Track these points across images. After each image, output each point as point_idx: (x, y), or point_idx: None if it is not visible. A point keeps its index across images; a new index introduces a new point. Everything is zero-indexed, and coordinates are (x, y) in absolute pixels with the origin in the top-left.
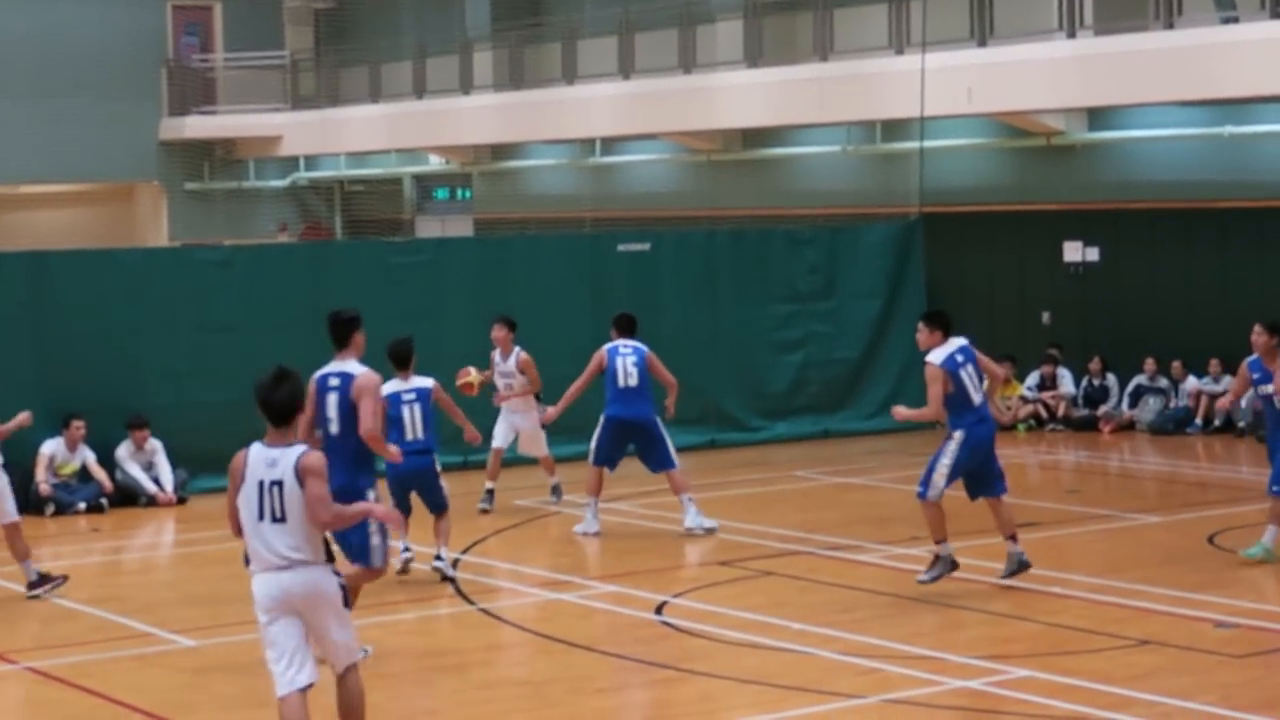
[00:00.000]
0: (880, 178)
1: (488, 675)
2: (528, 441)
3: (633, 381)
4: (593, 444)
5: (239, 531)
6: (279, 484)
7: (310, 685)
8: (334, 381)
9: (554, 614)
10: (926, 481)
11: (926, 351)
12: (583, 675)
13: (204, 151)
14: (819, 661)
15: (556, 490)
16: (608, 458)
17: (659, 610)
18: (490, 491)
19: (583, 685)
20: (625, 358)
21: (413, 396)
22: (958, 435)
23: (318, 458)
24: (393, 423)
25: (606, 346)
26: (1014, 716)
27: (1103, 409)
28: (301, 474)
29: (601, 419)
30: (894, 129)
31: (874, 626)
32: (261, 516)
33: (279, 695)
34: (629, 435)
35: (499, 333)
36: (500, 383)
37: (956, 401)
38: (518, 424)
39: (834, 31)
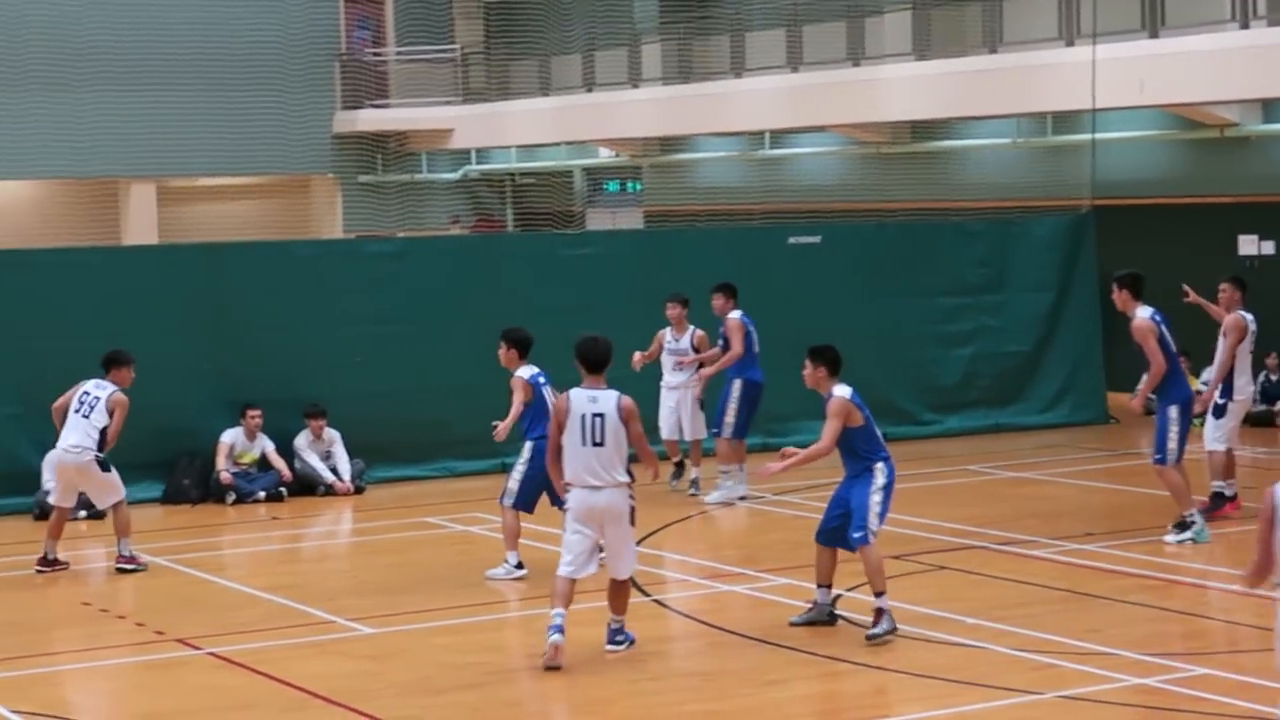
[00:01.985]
0: (1050, 170)
1: (660, 666)
2: (690, 425)
3: (757, 348)
4: (730, 416)
5: (555, 462)
6: (600, 416)
7: (578, 578)
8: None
9: (726, 605)
10: (1162, 448)
11: (1126, 315)
12: (754, 667)
13: (377, 144)
14: (992, 656)
15: (696, 483)
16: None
17: (832, 604)
18: (694, 480)
19: (754, 677)
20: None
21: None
22: (1179, 403)
23: (633, 402)
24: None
25: (738, 314)
26: (1191, 714)
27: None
28: (625, 414)
29: (739, 386)
30: (1064, 121)
31: (1047, 622)
32: (584, 442)
33: (558, 574)
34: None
35: (674, 311)
36: (670, 361)
37: (1171, 365)
38: (679, 405)
39: (1003, 22)
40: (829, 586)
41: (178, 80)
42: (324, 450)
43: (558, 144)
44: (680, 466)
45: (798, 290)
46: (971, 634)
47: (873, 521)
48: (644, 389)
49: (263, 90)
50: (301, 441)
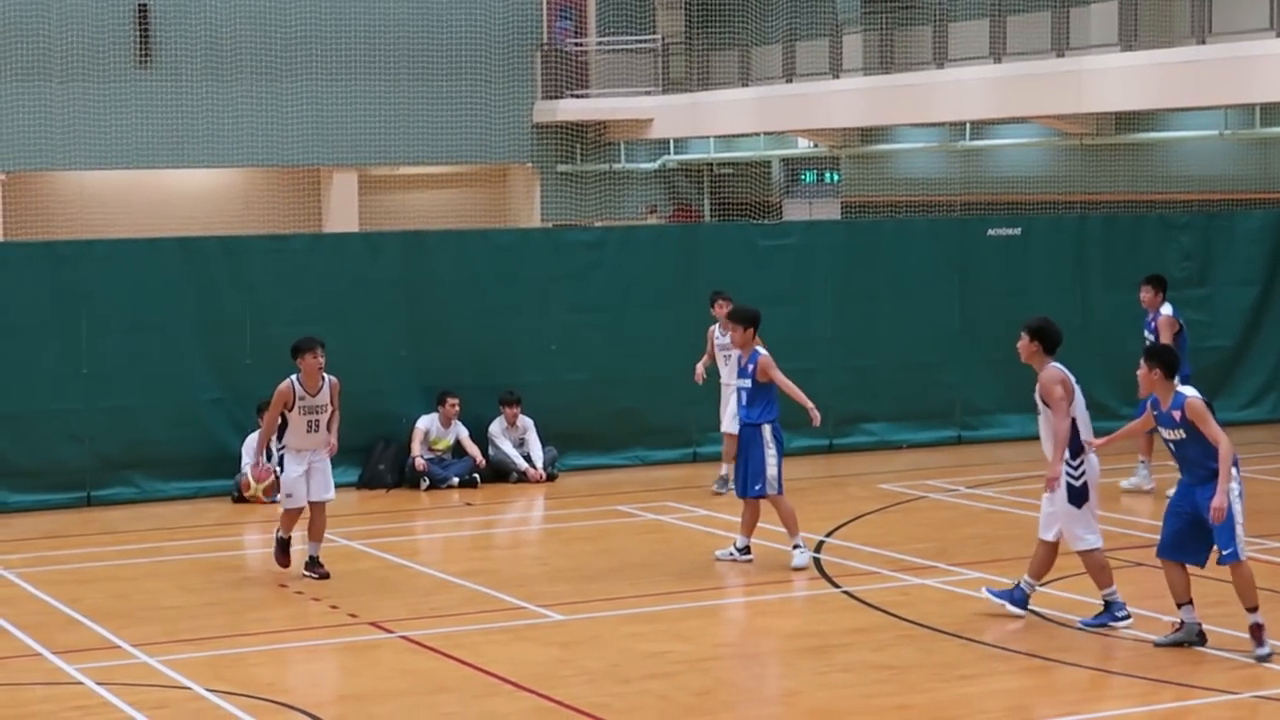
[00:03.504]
0: (1259, 163)
1: (849, 658)
2: (727, 419)
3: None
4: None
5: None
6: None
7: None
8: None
9: (917, 599)
10: None
11: None
12: (946, 661)
13: (576, 134)
14: (1190, 655)
15: (725, 480)
16: None
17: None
18: (724, 477)
19: (946, 672)
20: None
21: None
22: None
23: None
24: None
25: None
26: None
27: None
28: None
29: None
30: (1274, 112)
31: (1243, 624)
32: None
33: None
34: None
35: (722, 309)
36: (720, 356)
37: None
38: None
39: (1212, 13)
40: (1191, 604)
41: (380, 69)
42: (518, 438)
43: (756, 134)
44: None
45: (997, 282)
46: (1169, 632)
47: (1240, 534)
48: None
49: (464, 80)
50: (496, 429)
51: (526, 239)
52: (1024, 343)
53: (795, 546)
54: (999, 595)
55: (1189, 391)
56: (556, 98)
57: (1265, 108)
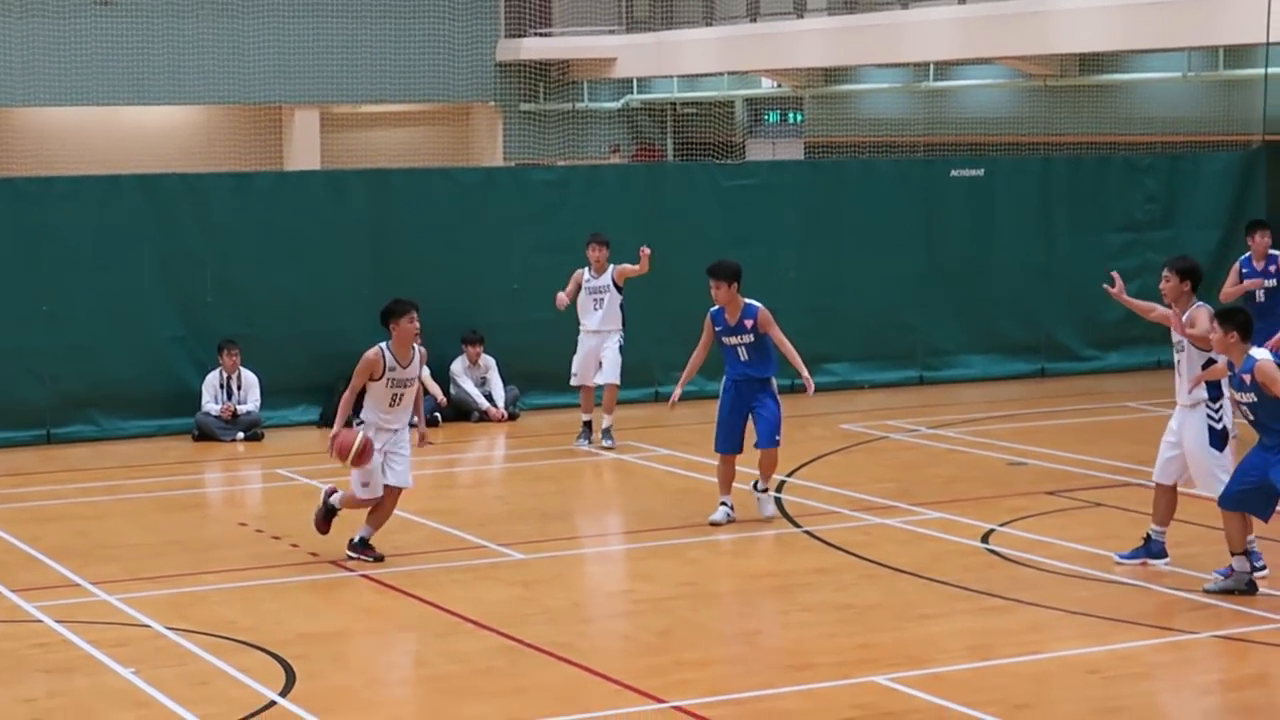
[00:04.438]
0: (1222, 105)
1: (812, 598)
2: (610, 368)
3: None
4: None
5: None
6: None
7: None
8: None
9: (879, 539)
10: None
11: None
12: (907, 601)
13: (539, 73)
14: (1150, 595)
15: (609, 432)
16: None
17: (985, 538)
18: (587, 425)
19: (908, 611)
20: None
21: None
22: None
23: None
24: None
25: None
26: None
27: None
28: None
29: None
30: (1238, 55)
31: (1206, 562)
32: None
33: None
34: None
35: (597, 252)
36: (590, 300)
37: None
38: (599, 349)
39: None
40: (1246, 554)
41: (343, 6)
42: (479, 376)
43: (720, 74)
44: (588, 426)
45: (961, 223)
46: (1129, 572)
47: None
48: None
49: (427, 17)
50: (457, 367)
51: (490, 178)
52: (1174, 283)
53: (764, 490)
54: (1132, 556)
55: (1260, 354)
56: (520, 36)
57: (1229, 50)
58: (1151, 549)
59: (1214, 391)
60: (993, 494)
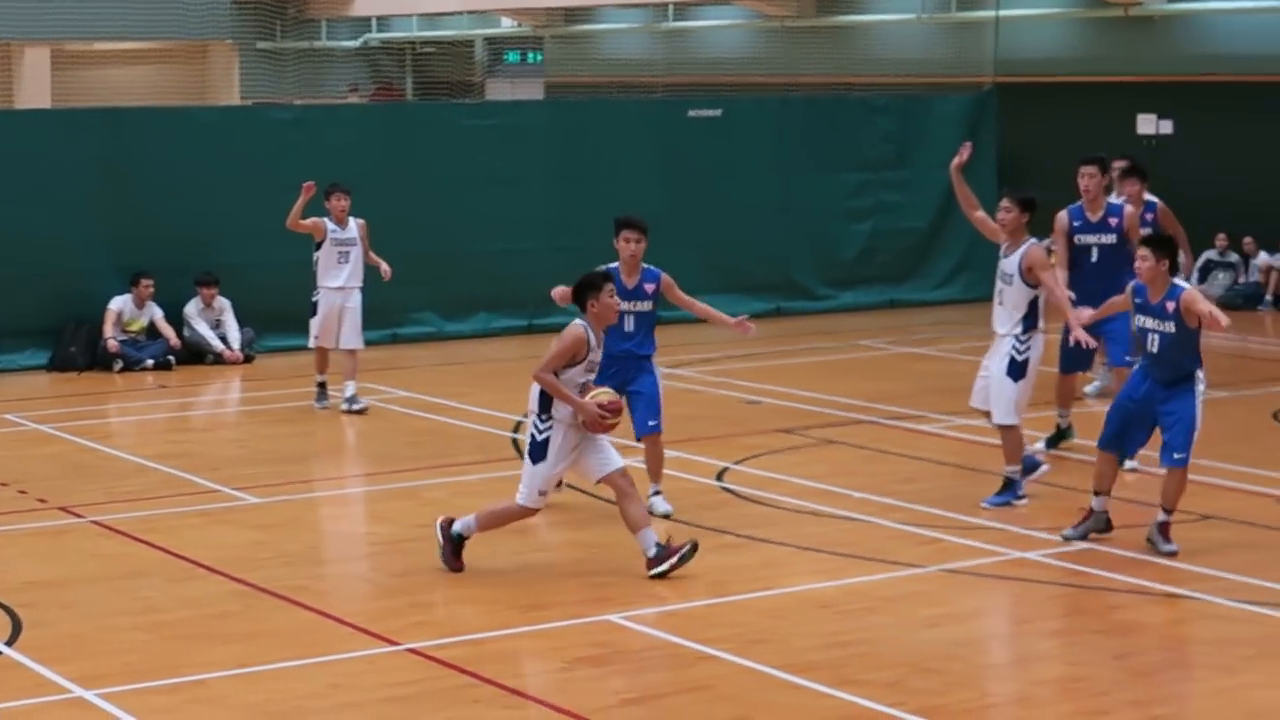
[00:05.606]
0: (955, 47)
1: (550, 538)
2: (353, 332)
3: None
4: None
5: None
6: None
7: None
8: None
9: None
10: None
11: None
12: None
13: (276, 10)
14: (880, 531)
15: (355, 399)
16: None
17: (720, 476)
18: (321, 386)
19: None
20: None
21: None
22: None
23: None
24: None
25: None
26: (1074, 589)
27: None
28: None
29: None
30: None
31: (936, 497)
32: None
33: None
34: None
35: (341, 203)
36: (336, 252)
37: None
38: (342, 308)
39: None
40: (1109, 494)
41: None
42: (214, 318)
43: (459, 13)
44: (324, 387)
45: (700, 164)
46: (860, 508)
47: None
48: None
49: None
50: (191, 309)
51: (226, 117)
52: (1014, 215)
53: (658, 493)
54: (998, 500)
55: (1186, 284)
56: None
57: None
58: (1016, 489)
59: (1029, 324)
60: (729, 433)
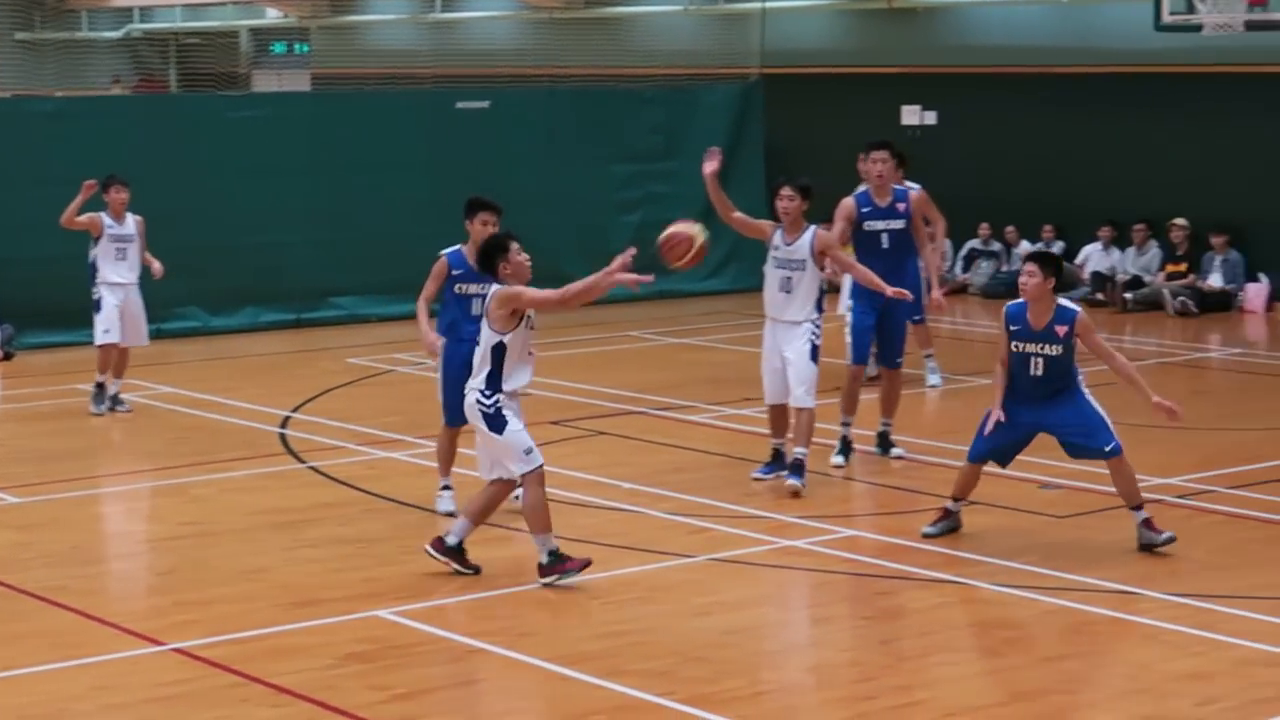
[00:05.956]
0: (722, 38)
1: (318, 533)
2: (135, 328)
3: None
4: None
5: None
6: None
7: None
8: None
9: (385, 473)
10: None
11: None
12: (413, 534)
13: (35, 0)
14: (650, 521)
15: (118, 398)
16: None
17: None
18: (100, 386)
19: (413, 544)
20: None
21: None
22: None
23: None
24: None
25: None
26: (842, 576)
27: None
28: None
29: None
30: None
31: (706, 487)
32: None
33: None
34: None
35: (119, 196)
36: (114, 248)
37: None
38: (124, 304)
39: None
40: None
41: None
42: None
43: (224, 3)
44: (102, 388)
45: (469, 155)
46: (630, 499)
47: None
48: None
49: None
50: None
51: None
52: (797, 203)
53: (446, 488)
54: (767, 471)
55: (1073, 305)
56: None
57: None
58: (782, 463)
59: (820, 308)
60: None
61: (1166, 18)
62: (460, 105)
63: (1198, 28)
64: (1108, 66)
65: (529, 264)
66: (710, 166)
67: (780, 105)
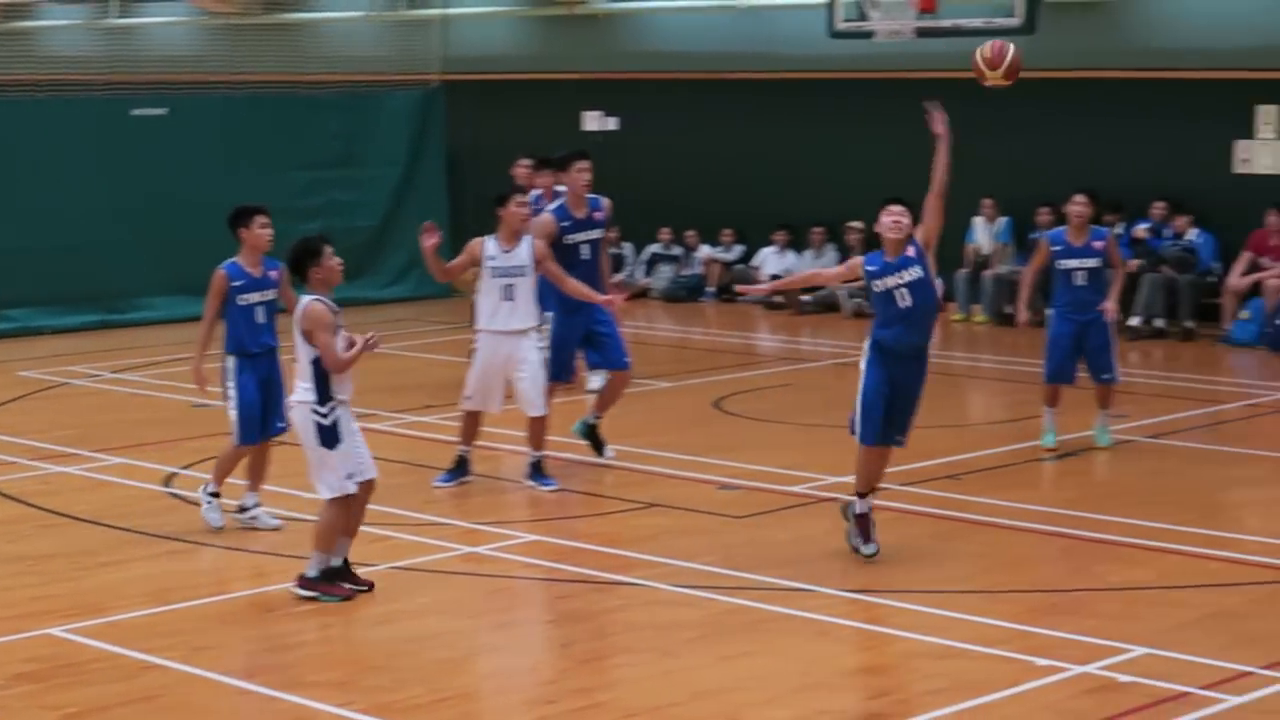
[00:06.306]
0: (403, 45)
1: None
2: None
3: None
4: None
5: None
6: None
7: None
8: None
9: (58, 488)
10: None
11: None
12: (86, 550)
13: None
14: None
15: None
16: None
17: (168, 482)
18: None
19: (85, 560)
20: None
21: None
22: None
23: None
24: None
25: None
26: (522, 580)
27: (617, 276)
28: None
29: None
30: None
31: (386, 495)
32: None
33: None
34: None
35: None
36: None
37: None
38: None
39: None
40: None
41: None
42: None
43: None
44: None
45: (145, 163)
46: (309, 508)
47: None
48: None
49: None
50: None
51: None
52: (527, 209)
53: (214, 495)
54: (449, 478)
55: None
56: None
57: None
58: (464, 470)
59: (540, 317)
60: (177, 437)
61: (840, 25)
62: (136, 112)
63: (870, 34)
64: (784, 73)
65: (341, 267)
66: (430, 241)
67: (462, 111)
